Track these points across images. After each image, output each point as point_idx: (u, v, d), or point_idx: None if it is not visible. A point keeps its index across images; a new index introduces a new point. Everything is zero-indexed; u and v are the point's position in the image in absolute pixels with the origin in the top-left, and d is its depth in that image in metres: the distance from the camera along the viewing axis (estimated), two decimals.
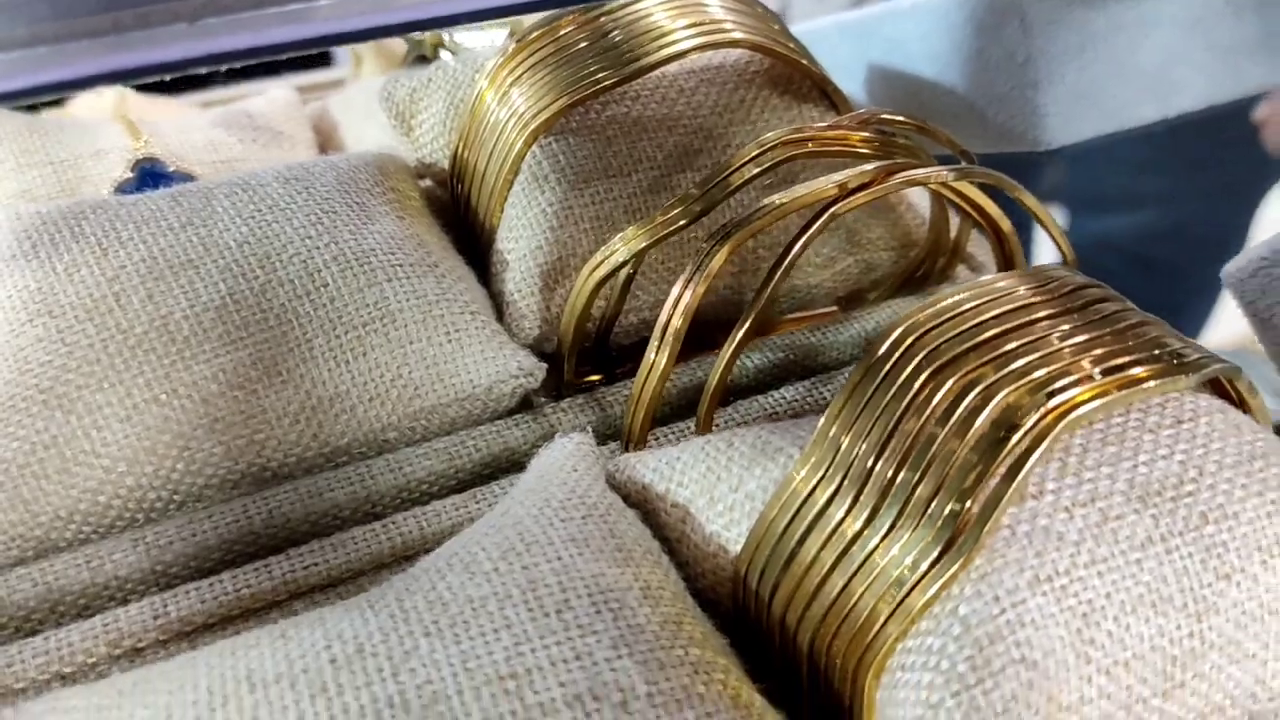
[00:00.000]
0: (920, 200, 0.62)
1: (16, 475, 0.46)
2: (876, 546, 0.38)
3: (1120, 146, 1.01)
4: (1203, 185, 1.06)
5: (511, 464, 0.50)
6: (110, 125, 0.74)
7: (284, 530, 0.47)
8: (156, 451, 0.47)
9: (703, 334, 0.53)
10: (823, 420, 0.40)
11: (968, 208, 0.52)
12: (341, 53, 1.34)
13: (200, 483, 0.48)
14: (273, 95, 0.81)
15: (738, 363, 0.55)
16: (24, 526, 0.45)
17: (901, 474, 0.38)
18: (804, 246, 0.47)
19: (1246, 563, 0.39)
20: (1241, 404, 0.44)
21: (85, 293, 0.49)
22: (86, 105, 0.85)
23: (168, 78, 0.33)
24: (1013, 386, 0.38)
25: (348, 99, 0.80)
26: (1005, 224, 0.52)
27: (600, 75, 0.54)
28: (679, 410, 0.53)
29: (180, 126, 0.76)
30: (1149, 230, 1.09)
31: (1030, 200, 0.50)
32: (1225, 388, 0.44)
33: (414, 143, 0.62)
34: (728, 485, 0.43)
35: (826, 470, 0.40)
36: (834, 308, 0.61)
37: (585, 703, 0.35)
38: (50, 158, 0.70)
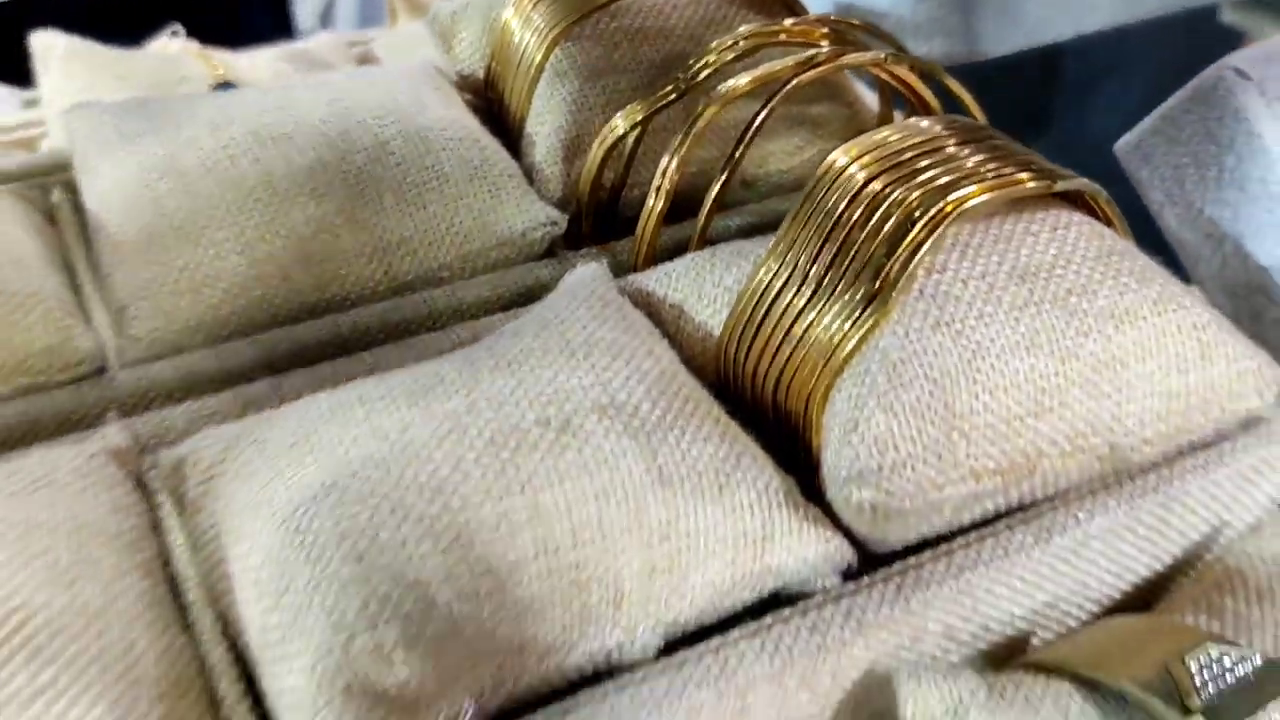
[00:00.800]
0: (873, 103, 0.75)
1: (157, 291, 0.58)
2: (814, 319, 0.51)
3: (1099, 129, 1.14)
4: None
5: (543, 294, 0.62)
6: (187, 58, 0.87)
7: (365, 337, 0.60)
8: (263, 279, 0.60)
9: (694, 209, 0.66)
10: (778, 232, 0.53)
11: (905, 92, 0.65)
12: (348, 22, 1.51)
13: (295, 307, 0.61)
14: (322, 38, 0.94)
15: (721, 223, 0.68)
16: (161, 331, 0.58)
17: (831, 269, 0.51)
18: (770, 111, 0.60)
19: (1102, 325, 0.52)
20: (1108, 221, 0.56)
21: (205, 156, 0.61)
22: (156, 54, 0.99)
23: None
24: (918, 192, 0.50)
25: (389, 42, 0.93)
26: (934, 103, 0.65)
27: None
28: (673, 257, 0.65)
29: (247, 62, 0.89)
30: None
31: (950, 81, 0.63)
32: (1094, 209, 0.57)
33: (454, 59, 0.75)
34: (711, 282, 0.56)
35: (780, 267, 0.53)
36: None
37: (607, 411, 0.48)
38: (142, 83, 0.83)
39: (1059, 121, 1.16)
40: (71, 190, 0.67)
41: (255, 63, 0.88)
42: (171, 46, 1.00)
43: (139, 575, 0.45)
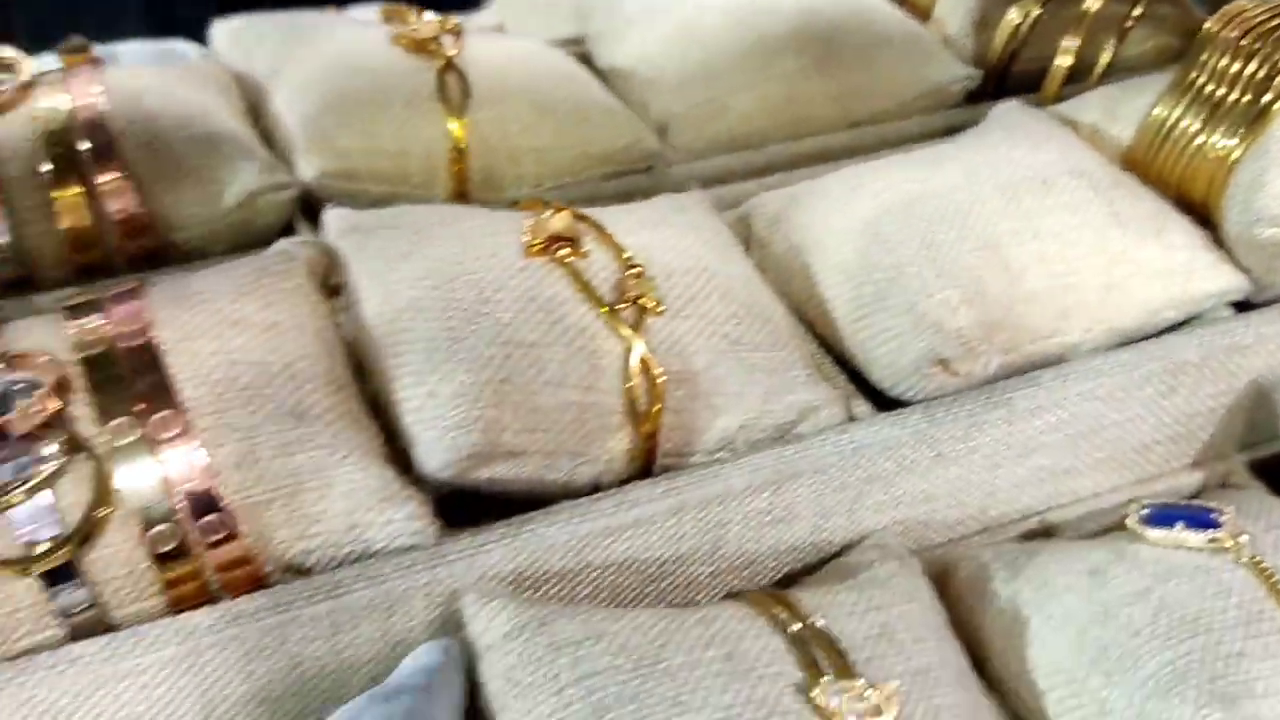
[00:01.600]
0: None
1: (688, 115, 0.79)
2: (1208, 139, 0.69)
3: None
4: None
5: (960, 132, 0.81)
6: None
7: (833, 156, 0.79)
8: (758, 111, 0.80)
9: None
10: (1170, 80, 0.71)
11: None
12: None
13: (777, 135, 0.81)
14: None
15: None
16: (690, 143, 0.79)
17: (1218, 103, 0.69)
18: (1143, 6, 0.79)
19: None
20: None
21: (717, 23, 0.82)
22: None
23: None
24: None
25: None
26: None
27: None
28: None
29: None
30: None
31: None
32: None
33: None
34: (1127, 107, 0.74)
35: (1175, 104, 0.70)
36: None
37: (1073, 173, 0.66)
38: None
39: None
40: (583, 58, 0.88)
41: None
42: None
43: (750, 268, 0.65)
